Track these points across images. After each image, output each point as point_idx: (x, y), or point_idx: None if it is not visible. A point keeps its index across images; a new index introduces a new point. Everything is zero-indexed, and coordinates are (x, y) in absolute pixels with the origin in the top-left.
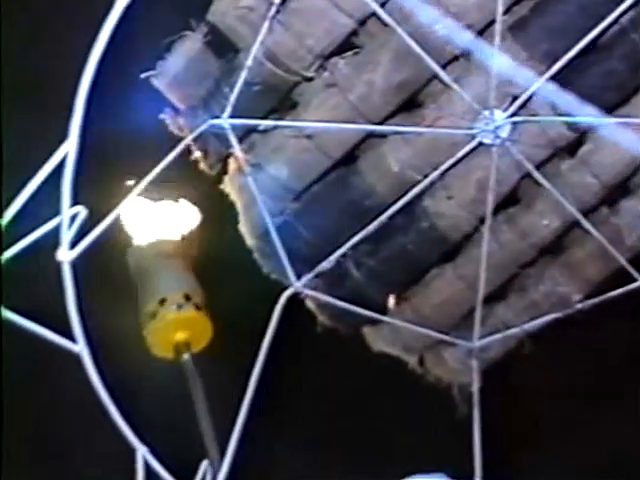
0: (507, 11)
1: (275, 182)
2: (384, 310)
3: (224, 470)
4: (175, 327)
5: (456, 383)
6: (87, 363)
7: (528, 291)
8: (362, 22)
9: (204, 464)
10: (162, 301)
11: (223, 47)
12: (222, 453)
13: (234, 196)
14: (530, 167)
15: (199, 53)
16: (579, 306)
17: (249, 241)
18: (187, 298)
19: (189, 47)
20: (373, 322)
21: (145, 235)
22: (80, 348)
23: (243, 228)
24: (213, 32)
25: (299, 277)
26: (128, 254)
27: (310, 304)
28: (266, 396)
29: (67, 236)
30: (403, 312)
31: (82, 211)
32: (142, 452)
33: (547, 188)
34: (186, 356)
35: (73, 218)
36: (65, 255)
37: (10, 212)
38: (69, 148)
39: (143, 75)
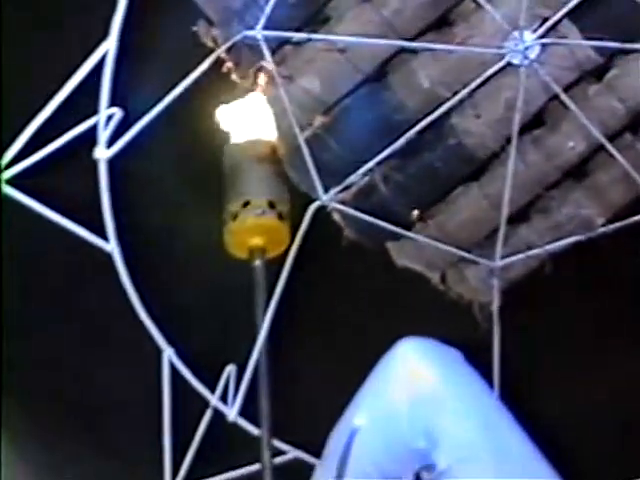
0: None
1: (306, 94)
2: (409, 226)
3: (247, 375)
4: (253, 232)
5: (477, 301)
6: (118, 263)
7: (551, 213)
8: None
9: (229, 368)
10: (245, 204)
11: None
12: (246, 359)
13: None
14: (557, 89)
15: None
16: (602, 229)
17: (279, 153)
18: (271, 205)
19: None
20: (397, 237)
21: (241, 134)
22: (112, 247)
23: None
24: None
25: (327, 190)
26: (224, 151)
27: (336, 217)
28: (290, 306)
29: (104, 135)
30: (427, 229)
31: (118, 112)
32: (168, 353)
33: (573, 111)
34: (258, 262)
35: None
36: (102, 153)
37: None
38: (109, 46)
39: None
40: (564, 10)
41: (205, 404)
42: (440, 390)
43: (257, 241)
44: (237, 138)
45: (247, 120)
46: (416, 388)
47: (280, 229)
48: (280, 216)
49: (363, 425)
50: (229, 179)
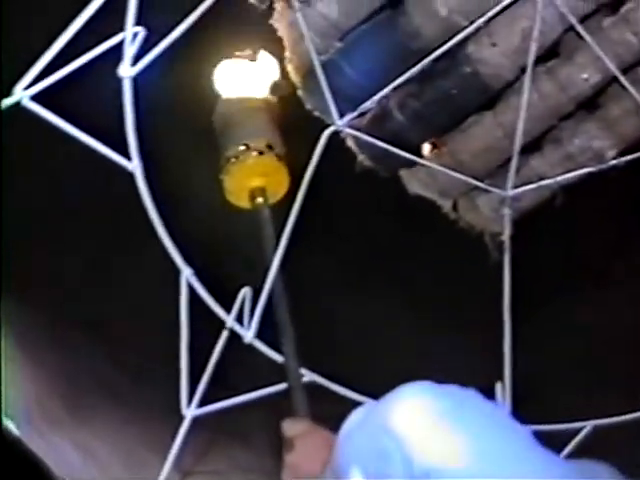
0: None
1: (324, 20)
2: (422, 154)
3: (264, 296)
4: (255, 172)
5: (488, 231)
6: (140, 181)
7: (563, 144)
8: None
9: (243, 290)
10: (245, 146)
11: None
12: (262, 280)
13: (282, 32)
14: (573, 20)
15: None
16: (613, 162)
17: (294, 78)
18: (269, 147)
19: None
20: (411, 165)
21: (234, 91)
22: (134, 165)
23: (289, 65)
24: None
25: (342, 116)
26: (217, 105)
27: (350, 143)
28: (305, 228)
29: (129, 52)
30: (441, 157)
31: (142, 32)
32: (187, 274)
33: (588, 43)
34: (260, 199)
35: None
36: (127, 71)
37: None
38: None
39: None
40: None
41: (221, 328)
42: (445, 462)
43: (258, 181)
44: (230, 94)
45: (240, 78)
46: (420, 460)
47: (280, 169)
48: (278, 157)
49: None
50: (224, 130)
